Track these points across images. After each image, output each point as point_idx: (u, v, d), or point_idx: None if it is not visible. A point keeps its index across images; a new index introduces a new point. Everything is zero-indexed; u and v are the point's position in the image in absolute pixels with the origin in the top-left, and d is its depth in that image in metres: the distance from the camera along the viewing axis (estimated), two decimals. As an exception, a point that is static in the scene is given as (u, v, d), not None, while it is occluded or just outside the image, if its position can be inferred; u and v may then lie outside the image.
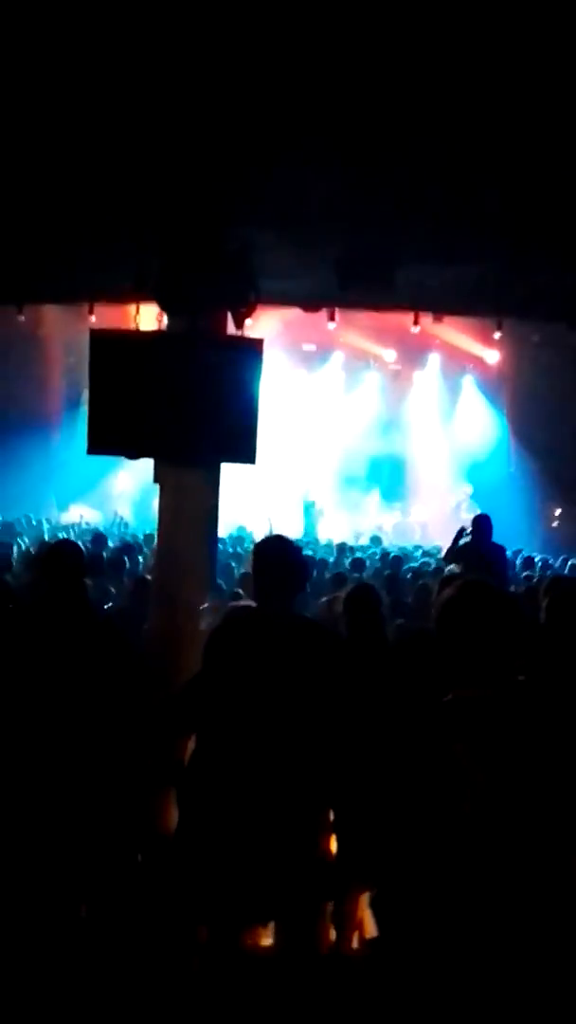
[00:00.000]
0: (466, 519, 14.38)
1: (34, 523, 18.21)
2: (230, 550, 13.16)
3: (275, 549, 4.99)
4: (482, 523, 10.86)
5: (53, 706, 4.98)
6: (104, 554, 11.41)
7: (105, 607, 8.17)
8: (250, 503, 17.60)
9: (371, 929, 5.42)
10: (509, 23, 5.17)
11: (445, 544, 12.98)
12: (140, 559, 11.56)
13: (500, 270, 8.79)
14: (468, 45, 5.31)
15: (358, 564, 12.01)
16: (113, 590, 9.42)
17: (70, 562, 5.28)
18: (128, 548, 12.17)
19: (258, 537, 14.76)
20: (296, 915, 4.83)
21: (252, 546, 5.40)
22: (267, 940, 5.22)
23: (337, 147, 6.43)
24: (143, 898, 5.56)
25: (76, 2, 5.01)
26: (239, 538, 15.20)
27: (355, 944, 5.56)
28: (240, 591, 8.23)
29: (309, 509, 20.70)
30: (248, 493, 16.62)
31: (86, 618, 5.28)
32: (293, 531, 17.33)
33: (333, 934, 5.43)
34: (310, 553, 13.58)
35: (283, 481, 20.37)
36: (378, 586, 6.81)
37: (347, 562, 12.82)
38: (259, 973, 4.96)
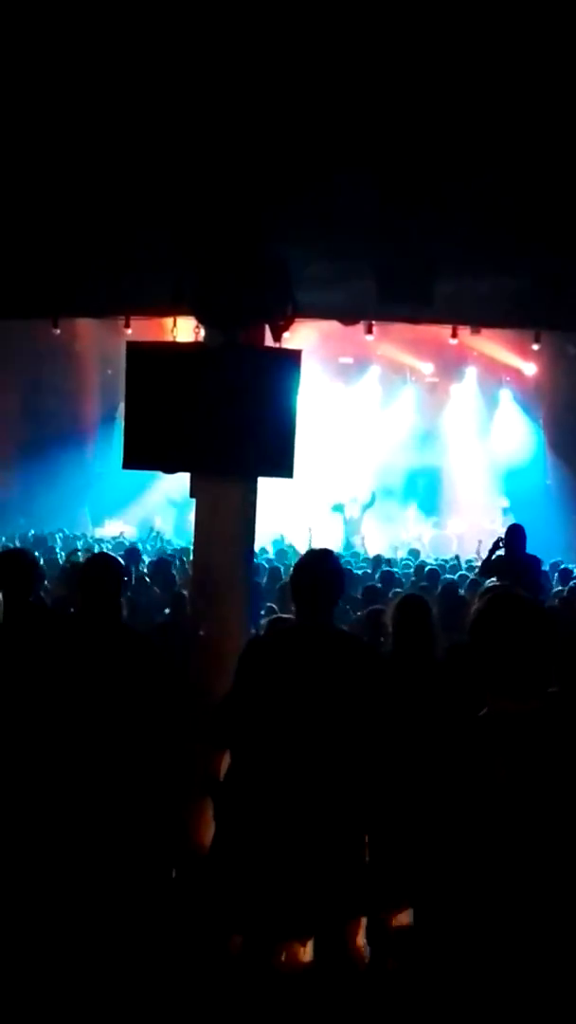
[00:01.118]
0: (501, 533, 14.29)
1: (69, 537, 18.31)
2: (266, 564, 13.14)
3: (311, 562, 4.98)
4: (515, 533, 10.77)
5: (87, 721, 4.96)
6: (142, 568, 11.43)
7: (139, 621, 8.19)
8: (287, 516, 17.58)
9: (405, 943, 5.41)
10: (543, 49, 5.18)
11: (480, 556, 12.91)
12: (175, 573, 11.57)
13: (538, 282, 8.76)
14: (504, 64, 5.30)
15: (388, 578, 11.90)
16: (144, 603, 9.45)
17: (109, 577, 5.26)
18: (163, 563, 12.18)
19: (298, 549, 14.81)
20: (333, 930, 4.81)
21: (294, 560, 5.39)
22: (304, 956, 5.19)
23: (375, 161, 6.42)
24: (177, 914, 5.54)
25: (120, 18, 5.03)
26: (282, 552, 15.19)
27: (392, 960, 5.51)
28: (274, 605, 8.22)
29: (341, 515, 20.75)
30: (285, 506, 16.60)
31: (121, 632, 5.25)
32: (331, 543, 17.31)
33: (370, 949, 5.41)
34: (358, 568, 13.58)
35: (321, 494, 20.36)
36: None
37: (377, 575, 12.78)
38: (295, 988, 4.94)
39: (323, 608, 4.82)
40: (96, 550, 13.99)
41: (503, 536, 10.97)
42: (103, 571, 5.30)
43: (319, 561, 4.97)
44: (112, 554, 6.05)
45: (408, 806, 4.87)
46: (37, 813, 4.99)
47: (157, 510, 21.82)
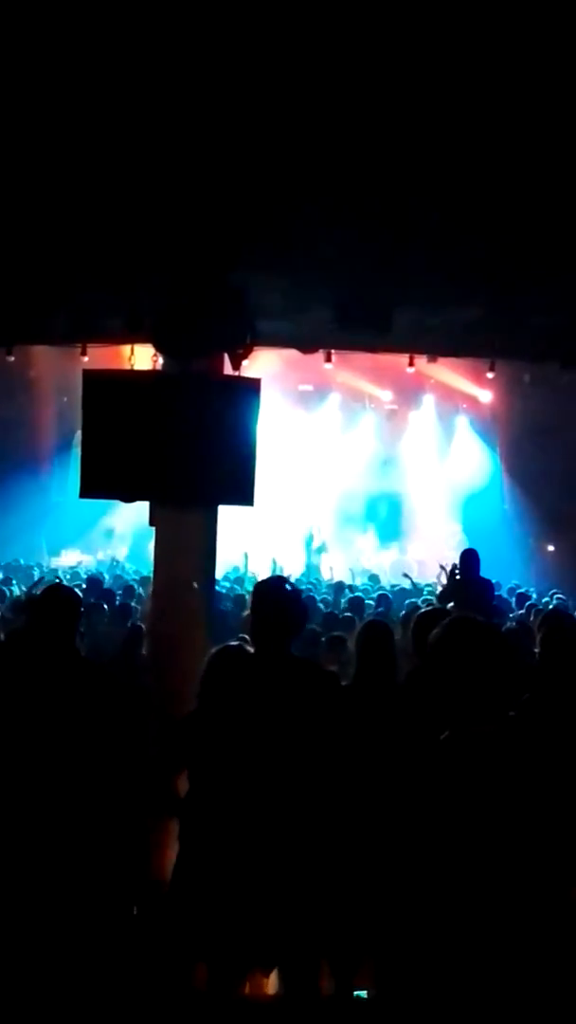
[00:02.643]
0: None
1: (24, 567, 18.17)
2: (224, 590, 13.09)
3: (270, 591, 4.99)
4: (468, 558, 10.83)
5: (42, 754, 4.89)
6: (93, 599, 11.33)
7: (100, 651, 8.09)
8: (248, 543, 17.59)
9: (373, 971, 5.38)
10: (502, 91, 5.26)
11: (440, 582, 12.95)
12: (136, 604, 11.50)
13: (493, 313, 8.86)
14: (463, 100, 5.38)
15: (356, 605, 11.89)
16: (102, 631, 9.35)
17: (65, 608, 5.20)
18: (112, 593, 12.08)
19: (255, 575, 14.80)
20: (299, 959, 4.78)
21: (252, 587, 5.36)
22: (268, 988, 5.17)
23: (335, 193, 6.47)
24: (138, 950, 5.46)
25: (83, 45, 5.04)
26: (239, 579, 15.16)
27: (358, 988, 5.49)
28: (246, 636, 8.17)
29: (308, 545, 20.80)
30: (246, 533, 16.61)
31: (77, 663, 5.19)
32: (293, 569, 17.36)
33: (335, 978, 5.38)
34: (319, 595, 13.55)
35: (281, 520, 20.40)
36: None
37: (343, 601, 12.76)
38: (261, 1018, 4.91)
39: (281, 636, 4.82)
40: (53, 580, 13.89)
41: (457, 562, 11.02)
42: (58, 602, 5.25)
43: (275, 590, 4.98)
44: (67, 585, 5.99)
45: (374, 830, 4.90)
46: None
47: (105, 541, 21.86)
